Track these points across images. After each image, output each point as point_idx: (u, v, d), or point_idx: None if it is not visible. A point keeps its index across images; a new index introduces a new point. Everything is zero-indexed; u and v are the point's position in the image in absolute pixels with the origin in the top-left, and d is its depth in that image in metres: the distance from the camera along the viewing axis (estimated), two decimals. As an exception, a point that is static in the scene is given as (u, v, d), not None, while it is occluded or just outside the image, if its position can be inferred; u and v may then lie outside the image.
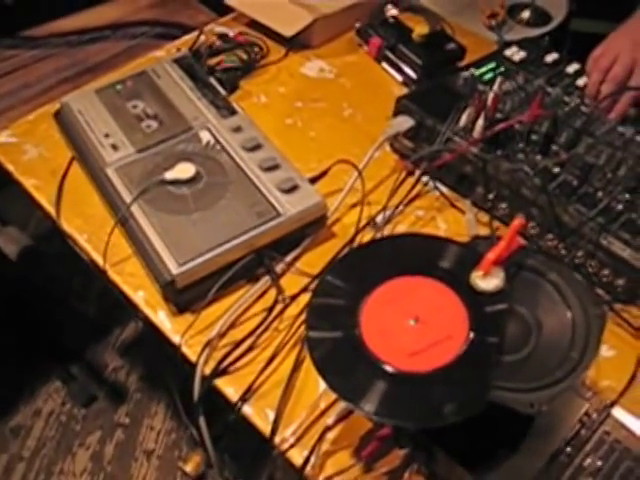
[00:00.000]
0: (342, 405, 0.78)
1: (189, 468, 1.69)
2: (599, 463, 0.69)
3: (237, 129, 1.02)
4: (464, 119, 0.99)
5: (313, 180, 1.00)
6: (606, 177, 0.94)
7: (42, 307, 2.01)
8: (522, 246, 0.72)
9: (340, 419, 0.79)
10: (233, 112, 1.06)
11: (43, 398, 1.89)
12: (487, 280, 0.69)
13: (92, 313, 2.04)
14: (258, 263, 0.92)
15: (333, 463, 0.77)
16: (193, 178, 0.95)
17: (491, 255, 0.68)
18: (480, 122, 0.97)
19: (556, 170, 0.95)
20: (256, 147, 0.99)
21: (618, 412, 0.73)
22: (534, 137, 0.99)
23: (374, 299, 0.70)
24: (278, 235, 0.91)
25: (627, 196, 0.91)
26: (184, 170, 0.96)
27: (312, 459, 0.77)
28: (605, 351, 0.87)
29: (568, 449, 0.70)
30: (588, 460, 0.69)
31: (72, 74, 1.43)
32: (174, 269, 0.86)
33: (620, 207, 0.90)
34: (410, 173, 1.05)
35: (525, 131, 0.99)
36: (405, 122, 1.03)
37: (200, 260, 0.87)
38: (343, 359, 0.68)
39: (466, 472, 0.68)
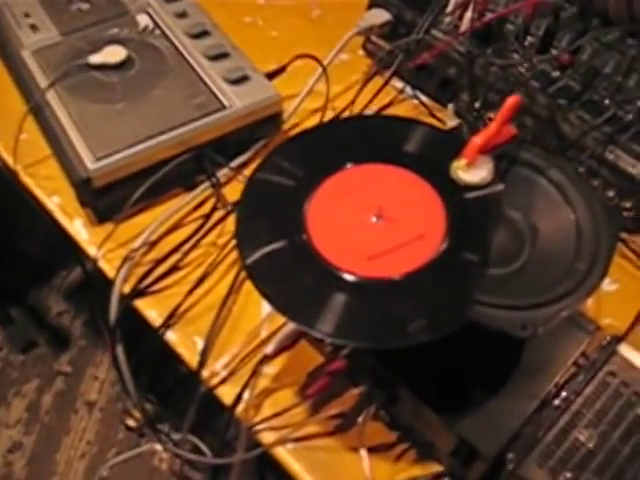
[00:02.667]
0: (284, 331, 0.63)
1: (133, 422, 1.55)
2: (602, 409, 0.55)
3: (182, 14, 0.86)
4: (450, 9, 0.84)
5: (269, 76, 0.84)
6: (614, 84, 0.79)
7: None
8: (515, 135, 0.57)
9: (282, 349, 0.64)
10: (179, -4, 0.89)
11: (-23, 342, 1.73)
12: (472, 171, 0.54)
13: (37, 253, 1.87)
14: (197, 168, 0.77)
15: (272, 403, 0.63)
16: (123, 63, 0.80)
17: (478, 139, 0.54)
18: (468, 14, 0.82)
19: (555, 74, 0.80)
20: (202, 34, 0.84)
21: (626, 350, 0.58)
22: (530, 39, 0.84)
23: (324, 192, 0.55)
24: (221, 132, 0.76)
25: (640, 104, 0.76)
26: (113, 54, 0.80)
27: (246, 397, 0.62)
28: (607, 285, 0.73)
29: (564, 393, 0.56)
30: (588, 406, 0.55)
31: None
32: (90, 164, 0.71)
33: (630, 117, 0.76)
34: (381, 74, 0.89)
35: (521, 30, 0.83)
36: (380, 15, 0.88)
37: (122, 155, 0.71)
38: (290, 273, 0.53)
39: (434, 414, 0.54)
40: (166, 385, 1.22)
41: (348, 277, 0.50)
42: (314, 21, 1.03)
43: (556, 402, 0.55)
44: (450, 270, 0.50)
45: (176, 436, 1.16)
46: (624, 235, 0.76)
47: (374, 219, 0.53)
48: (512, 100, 0.54)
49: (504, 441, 0.52)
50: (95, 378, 1.69)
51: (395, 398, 0.58)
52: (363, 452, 0.60)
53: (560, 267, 0.51)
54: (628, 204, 0.74)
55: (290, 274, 0.53)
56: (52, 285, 1.85)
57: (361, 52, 0.95)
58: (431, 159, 0.55)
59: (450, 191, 0.53)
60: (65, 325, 1.78)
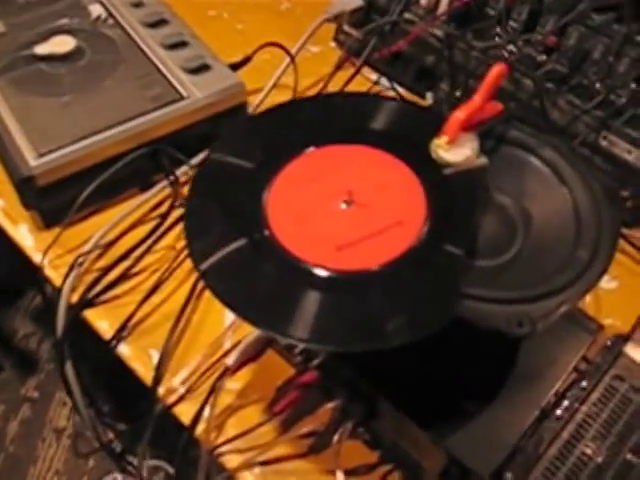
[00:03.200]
0: (247, 340, 0.56)
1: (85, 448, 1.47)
2: (610, 418, 0.48)
3: (138, 4, 0.80)
4: (426, -9, 0.78)
5: (234, 68, 0.77)
6: (604, 68, 0.73)
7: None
8: (502, 111, 0.51)
9: (246, 360, 0.57)
10: (134, -14, 0.83)
11: (-62, 367, 1.65)
12: (454, 150, 0.48)
13: (2, 273, 1.79)
14: (154, 166, 0.70)
15: (236, 422, 0.57)
16: (72, 54, 0.74)
17: (460, 114, 0.47)
18: (447, -4, 0.76)
19: (541, 58, 0.74)
20: (159, 22, 0.77)
21: (633, 350, 0.52)
22: (513, 24, 0.78)
23: (285, 179, 0.48)
24: (180, 125, 0.69)
25: (633, 86, 0.70)
26: (61, 44, 0.74)
27: (206, 415, 0.55)
28: (606, 282, 0.67)
29: (566, 401, 0.49)
30: (594, 415, 0.48)
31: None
32: (33, 161, 0.64)
33: (623, 100, 0.70)
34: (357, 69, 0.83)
35: (503, 14, 0.77)
36: (351, 1, 0.82)
37: (68, 150, 0.65)
38: (253, 274, 0.46)
39: (420, 430, 0.48)
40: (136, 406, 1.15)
41: (319, 272, 0.44)
42: (282, 14, 0.97)
43: (558, 412, 0.49)
44: (433, 260, 0.43)
45: (144, 462, 1.08)
46: (623, 230, 0.70)
47: (343, 205, 0.46)
48: (497, 69, 0.48)
49: (501, 458, 0.46)
50: (64, 404, 1.61)
51: (375, 412, 0.51)
52: (340, 475, 0.53)
53: (558, 256, 0.45)
54: (625, 193, 0.68)
55: (253, 275, 0.46)
56: (19, 306, 1.78)
57: (332, 44, 0.90)
58: (405, 137, 0.49)
59: (429, 171, 0.46)
60: (32, 348, 1.70)
